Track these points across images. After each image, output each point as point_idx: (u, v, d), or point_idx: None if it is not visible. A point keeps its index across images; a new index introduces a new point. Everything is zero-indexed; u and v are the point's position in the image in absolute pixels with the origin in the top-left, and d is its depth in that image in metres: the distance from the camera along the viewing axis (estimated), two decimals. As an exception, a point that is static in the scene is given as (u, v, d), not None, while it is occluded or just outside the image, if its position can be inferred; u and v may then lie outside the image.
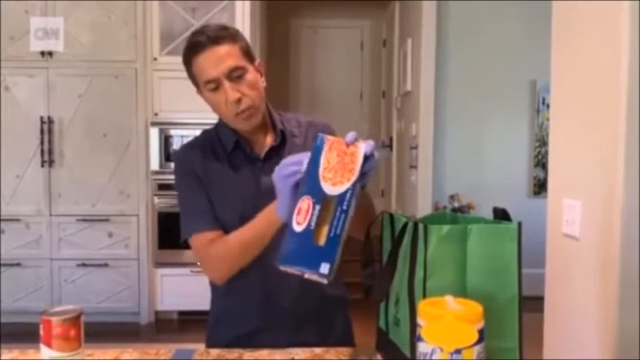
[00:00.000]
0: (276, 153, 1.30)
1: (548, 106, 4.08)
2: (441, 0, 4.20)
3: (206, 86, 1.22)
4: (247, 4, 3.81)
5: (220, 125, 1.33)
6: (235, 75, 1.21)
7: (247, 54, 1.25)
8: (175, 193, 1.36)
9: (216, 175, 1.30)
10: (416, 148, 4.29)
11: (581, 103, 1.50)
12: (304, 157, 1.00)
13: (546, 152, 3.48)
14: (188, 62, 1.24)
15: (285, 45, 6.20)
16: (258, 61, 1.29)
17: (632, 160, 1.30)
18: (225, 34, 1.21)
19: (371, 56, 6.34)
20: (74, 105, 3.77)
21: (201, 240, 1.27)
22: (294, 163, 1.02)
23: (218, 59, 1.19)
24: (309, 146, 1.30)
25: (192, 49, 1.21)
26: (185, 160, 1.33)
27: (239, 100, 1.21)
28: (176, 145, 3.81)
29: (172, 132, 3.81)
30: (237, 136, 1.30)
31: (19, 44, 3.71)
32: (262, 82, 1.29)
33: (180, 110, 3.75)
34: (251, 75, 1.24)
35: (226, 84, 1.20)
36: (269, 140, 1.33)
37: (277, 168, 1.05)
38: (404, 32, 4.92)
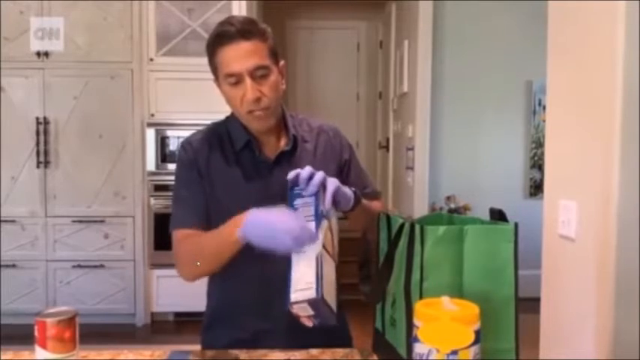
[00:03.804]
0: (286, 158, 1.28)
1: (544, 107, 4.09)
2: (437, 0, 4.20)
3: (226, 79, 1.19)
4: (243, 5, 3.81)
5: (231, 121, 1.30)
6: (259, 74, 1.18)
7: (274, 54, 1.22)
8: (172, 185, 1.34)
9: (221, 174, 1.27)
10: (412, 149, 4.30)
11: (578, 104, 1.50)
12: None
13: (542, 154, 3.49)
14: (212, 51, 1.20)
15: (282, 46, 6.19)
16: (282, 62, 1.26)
17: (628, 161, 1.30)
18: (255, 30, 1.18)
19: (367, 57, 6.34)
20: (70, 106, 3.76)
21: (179, 235, 1.26)
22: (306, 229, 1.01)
23: (244, 54, 1.16)
24: (319, 152, 1.30)
25: (219, 38, 1.18)
26: (191, 154, 1.29)
27: (258, 100, 1.18)
28: (172, 146, 3.80)
29: (169, 133, 3.80)
30: (249, 135, 1.27)
31: (15, 45, 3.70)
32: (283, 85, 1.26)
33: (177, 111, 3.76)
34: (274, 76, 1.21)
35: (248, 81, 1.17)
36: (281, 144, 1.30)
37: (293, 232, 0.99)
38: (400, 33, 4.93)
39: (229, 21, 1.19)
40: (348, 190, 1.14)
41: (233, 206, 1.26)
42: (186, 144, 1.32)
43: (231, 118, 1.31)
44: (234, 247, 1.10)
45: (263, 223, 1.03)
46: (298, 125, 1.34)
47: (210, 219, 1.26)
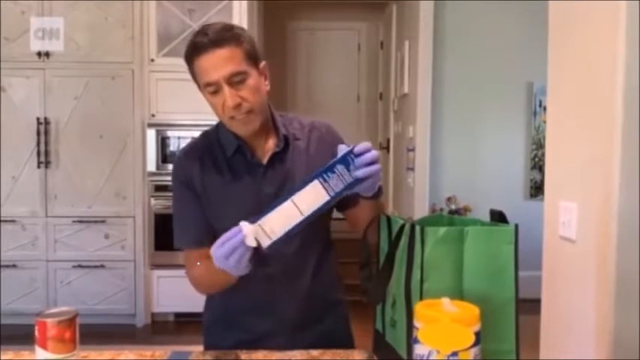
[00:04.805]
0: (279, 158, 1.27)
1: (545, 108, 4.09)
2: (438, 0, 4.20)
3: (206, 88, 1.19)
4: (244, 5, 3.82)
5: (221, 127, 1.30)
6: (236, 80, 1.17)
7: (251, 57, 1.20)
8: (171, 186, 1.35)
9: (215, 183, 1.27)
10: (413, 150, 4.30)
11: (578, 105, 1.50)
12: (238, 235, 1.02)
13: (543, 155, 3.48)
14: (189, 62, 1.21)
15: (283, 47, 6.20)
16: (263, 63, 1.25)
17: (628, 162, 1.30)
18: (228, 36, 1.17)
19: (368, 58, 6.35)
20: (70, 106, 3.77)
21: (188, 256, 1.30)
22: (235, 247, 1.02)
23: (218, 63, 1.16)
24: (312, 149, 1.30)
25: (194, 49, 1.18)
26: (183, 169, 1.30)
27: (238, 106, 1.18)
28: (173, 146, 3.81)
29: (169, 133, 3.80)
30: (239, 141, 1.26)
31: (15, 45, 3.71)
32: (266, 86, 1.25)
33: (177, 112, 3.76)
34: (253, 80, 1.19)
35: (226, 89, 1.16)
36: (271, 145, 1.29)
37: (217, 256, 1.05)
38: (401, 34, 4.93)
39: (203, 31, 1.19)
40: None
41: (231, 212, 1.25)
42: (178, 159, 1.34)
43: (220, 125, 1.30)
44: (228, 277, 1.12)
45: (216, 258, 1.06)
46: (289, 124, 1.33)
47: (213, 228, 1.27)
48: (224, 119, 1.23)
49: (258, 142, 1.29)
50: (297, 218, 1.01)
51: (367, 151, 1.04)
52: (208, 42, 1.16)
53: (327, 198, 1.02)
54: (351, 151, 1.03)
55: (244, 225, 1.02)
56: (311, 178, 1.02)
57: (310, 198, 1.02)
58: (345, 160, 1.03)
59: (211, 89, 1.18)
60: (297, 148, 1.30)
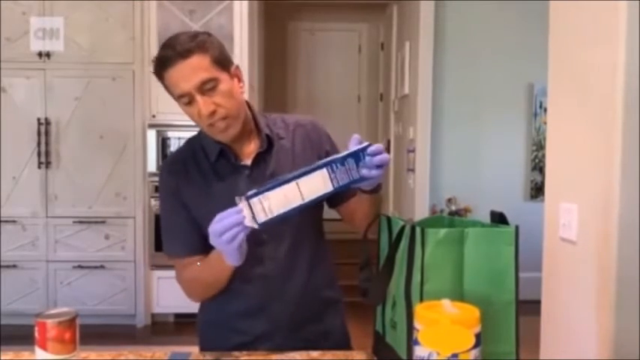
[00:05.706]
0: (263, 159, 1.27)
1: (545, 109, 4.09)
2: (439, 1, 4.21)
3: (180, 100, 1.20)
4: (245, 6, 3.82)
5: (203, 133, 1.29)
6: (207, 87, 1.16)
7: (220, 62, 1.19)
8: (159, 205, 1.37)
9: (201, 189, 1.27)
10: (413, 151, 4.30)
11: (579, 106, 1.50)
12: (234, 215, 1.03)
13: (543, 156, 3.49)
14: (159, 76, 1.20)
15: (283, 48, 6.20)
16: (234, 66, 1.24)
17: (628, 163, 1.30)
18: (192, 46, 1.16)
19: (369, 59, 6.34)
20: (71, 106, 3.77)
21: (177, 264, 1.32)
22: (229, 226, 1.03)
23: (188, 73, 1.15)
24: (297, 147, 1.30)
25: (161, 63, 1.17)
26: (168, 179, 1.30)
27: (213, 112, 1.17)
28: (173, 147, 3.80)
29: (170, 134, 3.80)
30: (221, 145, 1.26)
31: (16, 45, 3.71)
32: (241, 88, 1.24)
33: (178, 112, 3.69)
34: (225, 84, 1.19)
35: (198, 97, 1.16)
36: (255, 147, 1.28)
37: (211, 233, 1.05)
38: (402, 35, 4.93)
39: (168, 44, 1.18)
40: None
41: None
42: (163, 169, 1.35)
43: (202, 132, 1.30)
44: (224, 266, 1.14)
45: (213, 237, 1.06)
46: (272, 124, 1.33)
47: (202, 233, 1.25)
48: (203, 127, 1.23)
49: (240, 145, 1.28)
50: (296, 202, 1.01)
51: (379, 153, 1.04)
52: (174, 54, 1.15)
53: (330, 188, 1.02)
54: (364, 149, 1.03)
55: (242, 206, 1.02)
56: (319, 165, 1.02)
57: (315, 185, 1.02)
58: (357, 156, 1.03)
59: (185, 100, 1.18)
60: (281, 148, 1.30)
